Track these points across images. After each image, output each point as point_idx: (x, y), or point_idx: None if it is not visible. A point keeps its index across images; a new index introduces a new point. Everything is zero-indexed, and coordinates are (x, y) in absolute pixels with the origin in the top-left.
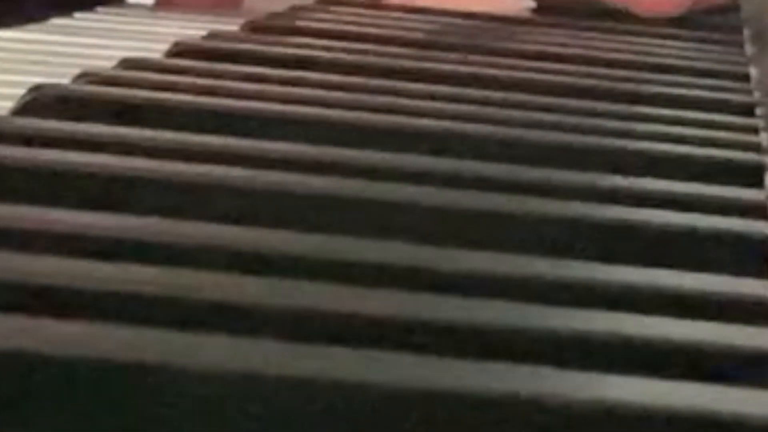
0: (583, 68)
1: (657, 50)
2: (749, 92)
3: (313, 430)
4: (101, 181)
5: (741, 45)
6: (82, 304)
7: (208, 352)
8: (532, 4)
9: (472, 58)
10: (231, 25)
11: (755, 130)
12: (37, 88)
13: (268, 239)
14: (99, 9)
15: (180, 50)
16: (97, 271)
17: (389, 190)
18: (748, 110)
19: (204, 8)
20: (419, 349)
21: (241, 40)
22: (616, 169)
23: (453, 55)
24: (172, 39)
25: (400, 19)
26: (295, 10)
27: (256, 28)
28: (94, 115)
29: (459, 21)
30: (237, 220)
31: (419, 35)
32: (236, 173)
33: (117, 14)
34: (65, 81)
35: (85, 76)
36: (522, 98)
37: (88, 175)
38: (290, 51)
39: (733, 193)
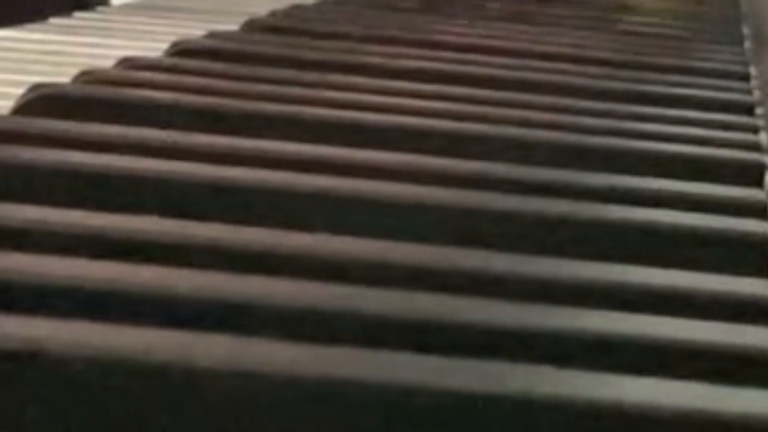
0: (571, 66)
1: (652, 49)
2: (749, 91)
3: (317, 431)
4: (102, 180)
5: (741, 44)
6: (81, 303)
7: (214, 352)
8: None
9: (493, 59)
10: (231, 25)
11: (755, 130)
12: (37, 88)
13: (269, 239)
14: (99, 8)
15: (180, 50)
16: (98, 271)
17: (390, 189)
18: (747, 109)
19: None
20: (420, 348)
21: (242, 40)
22: (615, 169)
23: (467, 56)
24: (172, 38)
25: (400, 18)
26: (295, 9)
27: (256, 27)
28: (94, 115)
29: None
30: (238, 220)
31: (422, 35)
32: (237, 173)
33: (117, 14)
34: (65, 80)
35: (85, 76)
36: (513, 97)
37: (88, 175)
38: (291, 51)
39: (733, 192)
